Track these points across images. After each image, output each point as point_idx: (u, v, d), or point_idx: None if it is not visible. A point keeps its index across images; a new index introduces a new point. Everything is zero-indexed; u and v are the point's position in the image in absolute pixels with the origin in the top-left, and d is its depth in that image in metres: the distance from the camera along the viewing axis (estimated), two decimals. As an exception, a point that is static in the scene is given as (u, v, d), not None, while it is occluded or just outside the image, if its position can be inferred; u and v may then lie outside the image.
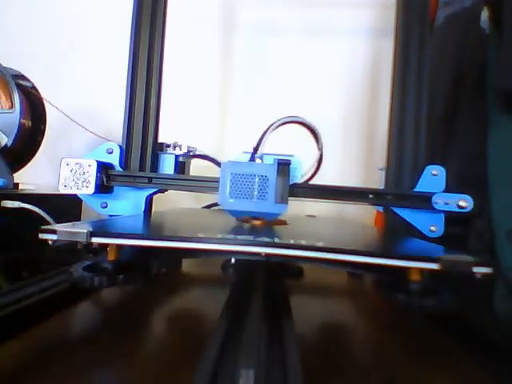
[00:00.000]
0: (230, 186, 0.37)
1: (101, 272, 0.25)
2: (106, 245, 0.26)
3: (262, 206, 0.37)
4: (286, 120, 0.43)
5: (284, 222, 0.40)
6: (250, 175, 0.37)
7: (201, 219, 0.45)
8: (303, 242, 0.25)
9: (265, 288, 0.28)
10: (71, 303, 0.32)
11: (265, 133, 0.42)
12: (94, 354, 0.25)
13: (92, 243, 0.24)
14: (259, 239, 0.25)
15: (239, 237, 0.26)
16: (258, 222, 0.38)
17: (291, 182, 0.38)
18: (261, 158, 0.42)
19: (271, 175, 0.37)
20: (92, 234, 0.24)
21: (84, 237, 0.24)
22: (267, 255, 0.25)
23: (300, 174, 0.43)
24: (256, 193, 0.37)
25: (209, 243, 0.25)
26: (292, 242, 0.26)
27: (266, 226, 0.37)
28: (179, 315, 0.35)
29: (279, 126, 0.43)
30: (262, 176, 0.37)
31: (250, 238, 0.26)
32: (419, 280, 0.25)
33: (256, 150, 0.42)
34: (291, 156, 0.42)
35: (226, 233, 0.27)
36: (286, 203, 0.37)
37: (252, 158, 0.43)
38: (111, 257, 0.26)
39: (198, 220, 0.44)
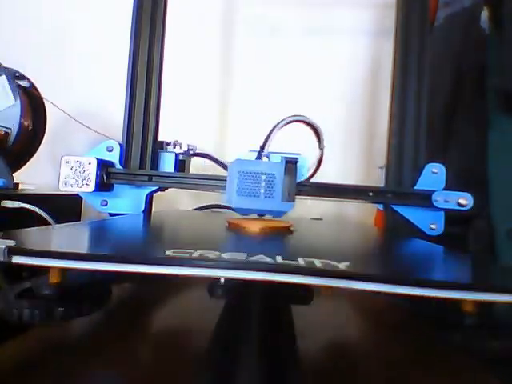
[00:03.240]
0: (238, 184, 0.36)
1: (38, 300, 0.19)
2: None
3: (268, 204, 0.36)
4: (292, 119, 0.43)
5: (288, 228, 0.33)
6: (258, 173, 0.36)
7: (185, 226, 0.40)
8: (318, 264, 0.18)
9: (263, 319, 0.22)
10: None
11: (271, 131, 0.42)
12: (93, 354, 0.25)
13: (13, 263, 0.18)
14: (254, 259, 0.19)
15: (226, 255, 0.19)
16: (254, 229, 0.31)
17: (298, 180, 0.37)
18: (267, 157, 0.42)
19: (279, 173, 0.36)
20: (13, 251, 0.18)
21: (1, 255, 0.18)
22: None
23: (306, 172, 0.43)
24: (263, 191, 0.36)
25: (177, 266, 0.18)
26: (302, 262, 0.18)
27: (264, 234, 0.31)
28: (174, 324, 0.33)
29: (285, 124, 0.43)
30: (269, 174, 0.36)
31: (242, 256, 0.19)
32: (475, 312, 0.19)
33: (262, 148, 0.42)
34: (298, 154, 0.42)
35: (211, 247, 0.20)
36: (293, 201, 0.36)
37: (259, 157, 0.42)
38: (53, 279, 0.20)
39: (181, 227, 0.39)
